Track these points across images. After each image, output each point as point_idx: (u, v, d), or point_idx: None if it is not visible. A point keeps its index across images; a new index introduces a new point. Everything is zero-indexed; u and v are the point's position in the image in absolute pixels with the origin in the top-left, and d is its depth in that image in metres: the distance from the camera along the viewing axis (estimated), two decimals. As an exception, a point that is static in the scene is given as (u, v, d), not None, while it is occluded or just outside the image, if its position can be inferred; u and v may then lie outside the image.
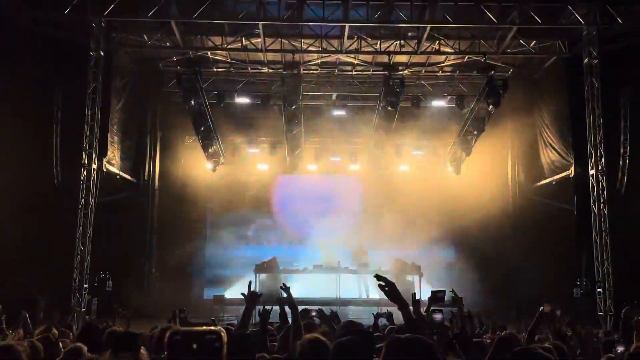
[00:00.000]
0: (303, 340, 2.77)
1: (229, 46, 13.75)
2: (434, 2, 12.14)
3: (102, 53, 12.60)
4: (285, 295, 4.25)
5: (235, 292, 12.50)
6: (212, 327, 1.32)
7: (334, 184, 16.74)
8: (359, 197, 16.47)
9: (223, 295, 12.92)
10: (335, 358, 2.40)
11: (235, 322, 8.99)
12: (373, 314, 6.66)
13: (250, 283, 3.93)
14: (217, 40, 13.69)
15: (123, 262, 12.05)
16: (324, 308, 6.39)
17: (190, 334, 1.28)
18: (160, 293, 13.73)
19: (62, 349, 3.79)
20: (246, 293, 3.70)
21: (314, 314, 5.85)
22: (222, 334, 1.32)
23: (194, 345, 1.29)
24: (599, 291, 11.66)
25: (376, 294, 13.54)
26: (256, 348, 3.49)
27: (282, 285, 4.36)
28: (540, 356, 2.26)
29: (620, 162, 12.22)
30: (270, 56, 14.17)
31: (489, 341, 5.35)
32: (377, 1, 12.46)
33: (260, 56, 14.14)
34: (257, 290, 3.91)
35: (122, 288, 11.90)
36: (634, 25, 11.98)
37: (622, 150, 12.25)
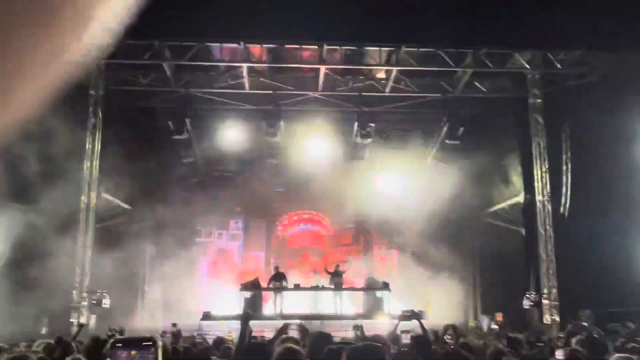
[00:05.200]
0: (278, 349, 3.09)
1: (216, 85, 14.85)
2: (399, 48, 13.80)
3: (101, 92, 13.97)
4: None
5: (221, 309, 13.64)
6: (148, 335, 1.50)
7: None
8: (335, 222, 17.85)
9: (210, 312, 14.00)
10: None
11: (221, 334, 10.02)
12: (354, 325, 7.80)
13: (244, 304, 4.52)
14: (205, 80, 14.89)
15: (120, 281, 13.11)
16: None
17: (129, 340, 1.48)
18: (154, 309, 14.75)
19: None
20: (241, 313, 4.34)
21: (294, 327, 6.03)
22: (157, 340, 1.48)
23: (132, 351, 1.48)
24: (545, 302, 13.21)
25: (351, 309, 14.90)
26: (271, 356, 3.80)
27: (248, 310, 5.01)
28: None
29: (563, 189, 13.66)
30: (253, 94, 15.02)
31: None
32: (350, 46, 14.09)
33: (244, 94, 15.09)
34: (243, 307, 4.51)
35: (119, 305, 12.95)
36: (570, 70, 13.80)
37: (564, 178, 13.71)
